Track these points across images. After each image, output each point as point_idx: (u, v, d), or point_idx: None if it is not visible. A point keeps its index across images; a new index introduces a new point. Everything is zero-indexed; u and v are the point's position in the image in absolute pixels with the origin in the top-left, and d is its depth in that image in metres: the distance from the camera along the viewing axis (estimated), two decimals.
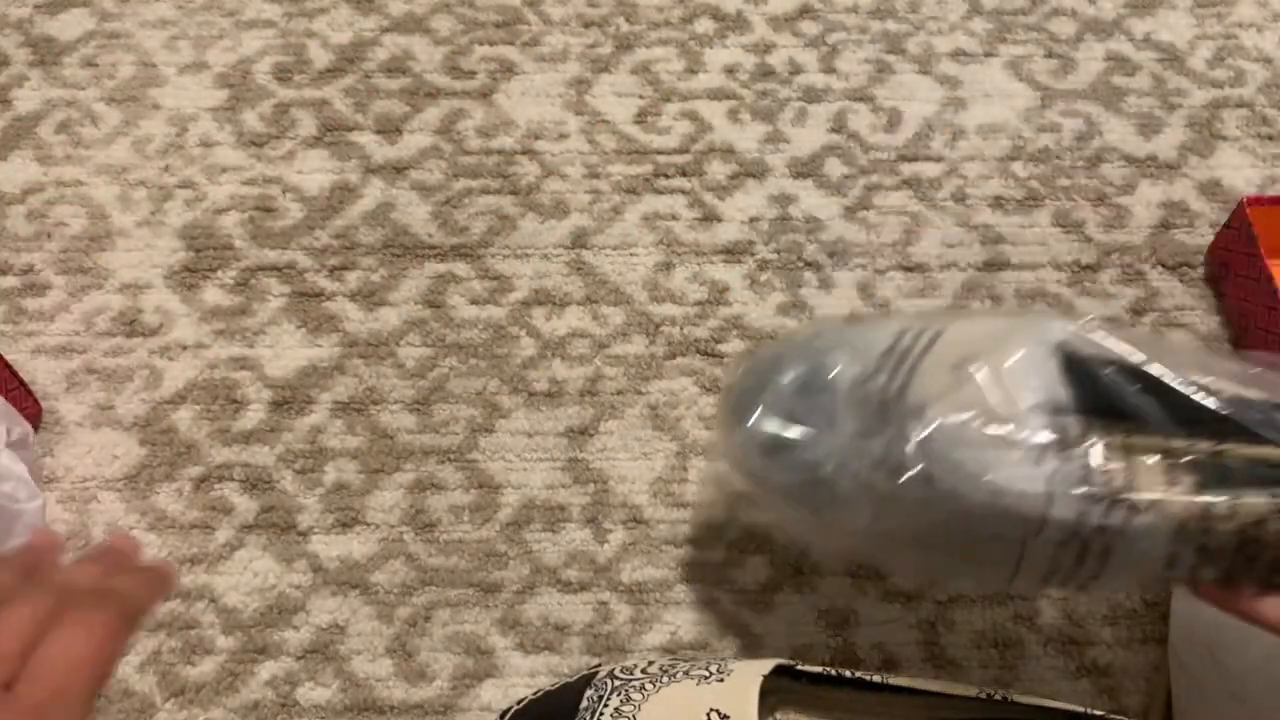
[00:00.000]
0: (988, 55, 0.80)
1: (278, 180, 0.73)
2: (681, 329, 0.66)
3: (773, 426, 0.45)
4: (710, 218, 0.71)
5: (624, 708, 0.44)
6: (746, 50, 0.80)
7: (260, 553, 0.59)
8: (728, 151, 0.74)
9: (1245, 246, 0.65)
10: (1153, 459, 0.40)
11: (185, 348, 0.66)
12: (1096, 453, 0.40)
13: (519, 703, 0.49)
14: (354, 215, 0.71)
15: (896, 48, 0.80)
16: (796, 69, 0.79)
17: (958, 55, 0.79)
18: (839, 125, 0.76)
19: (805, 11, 0.82)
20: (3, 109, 0.76)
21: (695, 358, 0.65)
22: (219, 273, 0.69)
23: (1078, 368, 0.41)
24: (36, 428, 0.62)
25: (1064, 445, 0.40)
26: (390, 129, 0.75)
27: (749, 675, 0.44)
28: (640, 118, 0.76)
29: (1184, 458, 0.40)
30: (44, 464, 0.62)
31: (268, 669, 0.56)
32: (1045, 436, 0.39)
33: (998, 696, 0.45)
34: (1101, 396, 0.41)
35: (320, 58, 0.79)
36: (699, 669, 0.46)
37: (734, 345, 0.66)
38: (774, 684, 0.47)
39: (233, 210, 0.71)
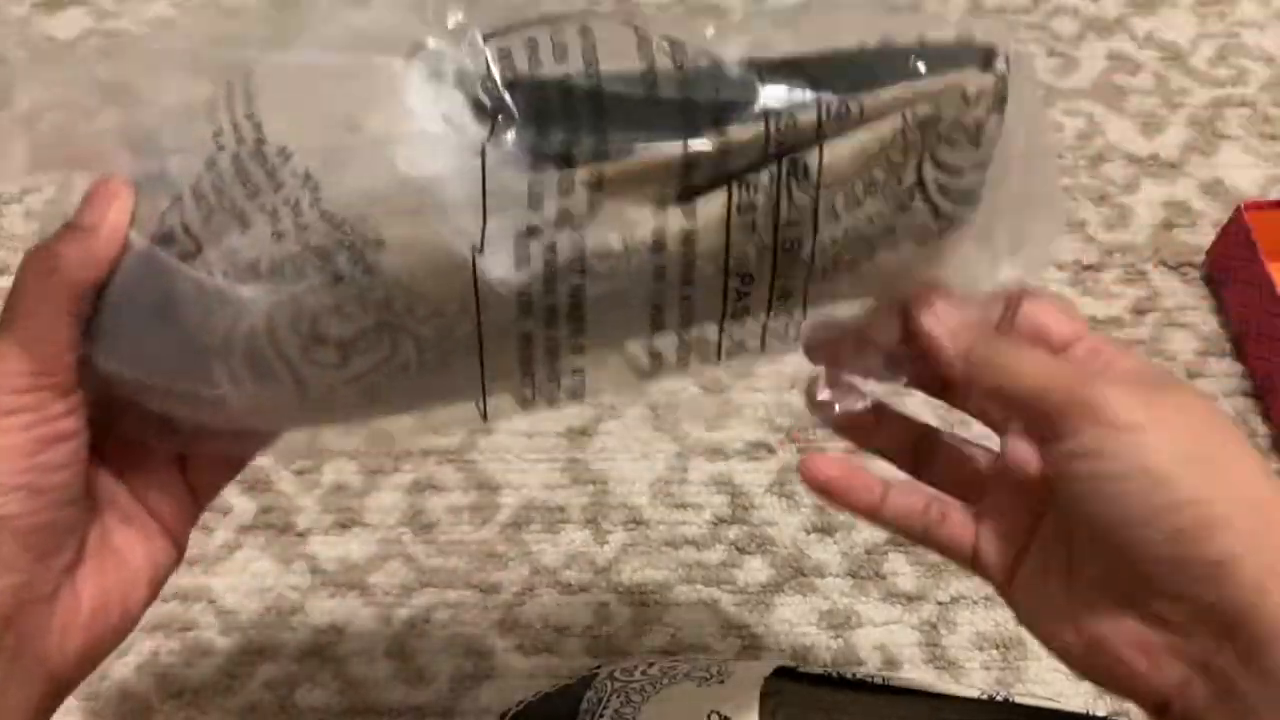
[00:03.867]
0: None
1: None
2: None
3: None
4: None
5: (624, 710, 0.44)
6: None
7: (259, 554, 0.59)
8: None
9: (1244, 251, 0.64)
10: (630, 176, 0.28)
11: None
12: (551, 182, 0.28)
13: (518, 705, 0.49)
14: None
15: None
16: None
17: None
18: None
19: (806, 10, 0.81)
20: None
21: None
22: None
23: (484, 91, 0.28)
24: None
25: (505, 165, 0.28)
26: None
27: (750, 677, 0.44)
28: None
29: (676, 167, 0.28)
30: None
31: (266, 670, 0.55)
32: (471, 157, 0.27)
33: (1000, 698, 0.45)
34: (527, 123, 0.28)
35: None
36: (699, 670, 0.46)
37: None
38: (775, 686, 0.47)
39: None
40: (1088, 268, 0.69)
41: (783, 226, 0.29)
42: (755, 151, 0.28)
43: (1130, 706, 0.56)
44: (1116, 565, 0.28)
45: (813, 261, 0.30)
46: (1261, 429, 0.63)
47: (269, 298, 0.28)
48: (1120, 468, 0.27)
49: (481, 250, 0.28)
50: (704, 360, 0.31)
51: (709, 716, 0.43)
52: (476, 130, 0.28)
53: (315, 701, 0.54)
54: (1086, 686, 0.54)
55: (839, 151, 0.29)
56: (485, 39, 0.29)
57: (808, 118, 0.28)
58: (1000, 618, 0.57)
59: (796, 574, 0.58)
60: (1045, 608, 0.31)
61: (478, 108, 0.28)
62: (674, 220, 0.29)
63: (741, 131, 0.28)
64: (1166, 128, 0.75)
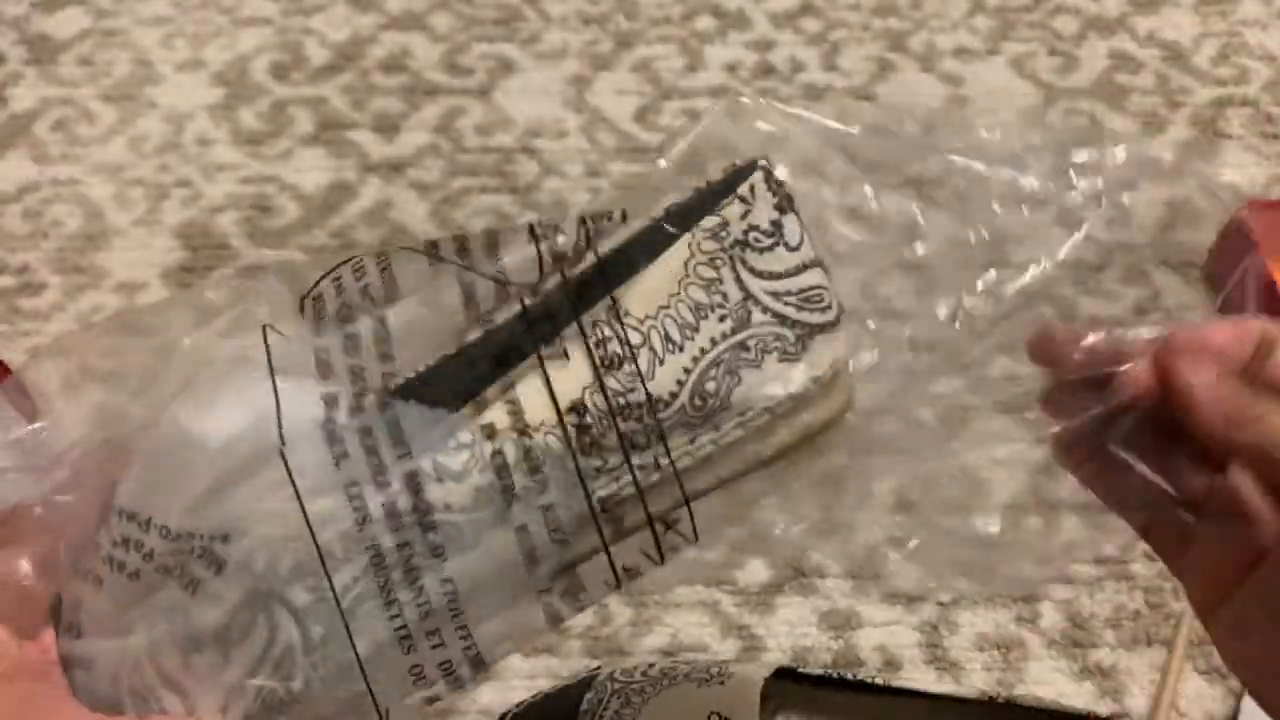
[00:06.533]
0: (990, 53, 0.79)
1: (275, 179, 0.72)
2: None
3: None
4: None
5: (624, 711, 0.44)
6: (747, 47, 0.79)
7: None
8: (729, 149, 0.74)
9: (1246, 252, 0.64)
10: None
11: None
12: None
13: (518, 705, 0.48)
14: (351, 214, 0.71)
15: (899, 45, 0.79)
16: (798, 66, 0.78)
17: (960, 53, 0.79)
18: None
19: (807, 8, 0.81)
20: None
21: None
22: (215, 272, 0.68)
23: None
24: None
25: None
26: (388, 127, 0.75)
27: (750, 678, 0.44)
28: (640, 116, 0.75)
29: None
30: None
31: None
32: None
33: (1000, 699, 0.45)
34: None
35: (318, 55, 0.78)
36: (700, 672, 0.46)
37: None
38: (775, 687, 0.46)
39: (229, 209, 0.71)
40: (1089, 268, 0.69)
41: (602, 369, 0.26)
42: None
43: (1131, 708, 0.56)
44: None
45: (665, 409, 0.26)
46: None
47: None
48: None
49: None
50: (609, 590, 0.29)
51: (709, 718, 0.43)
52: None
53: None
54: (1088, 686, 0.54)
55: (639, 288, 0.26)
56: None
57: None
58: (1001, 618, 0.57)
59: (797, 574, 0.58)
60: (1252, 667, 0.27)
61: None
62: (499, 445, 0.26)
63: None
64: (1168, 127, 0.75)
